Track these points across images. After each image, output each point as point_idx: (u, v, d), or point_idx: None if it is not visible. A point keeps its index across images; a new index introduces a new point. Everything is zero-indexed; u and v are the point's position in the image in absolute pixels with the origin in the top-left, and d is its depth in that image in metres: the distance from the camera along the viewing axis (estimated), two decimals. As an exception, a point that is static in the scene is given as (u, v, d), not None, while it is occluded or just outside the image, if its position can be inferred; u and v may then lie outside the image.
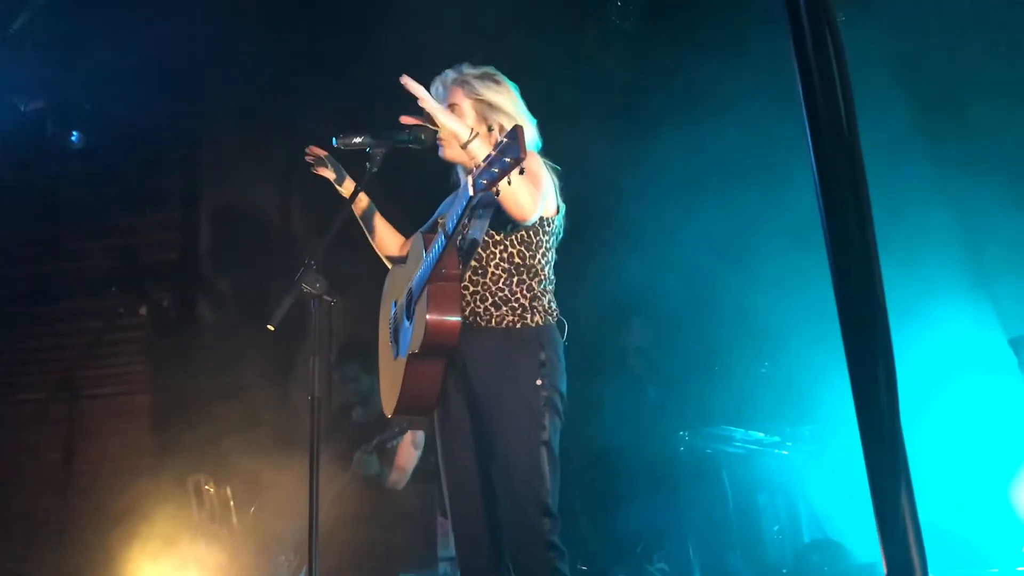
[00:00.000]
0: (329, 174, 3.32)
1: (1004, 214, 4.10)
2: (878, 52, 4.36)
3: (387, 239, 3.37)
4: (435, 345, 2.81)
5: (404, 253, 3.27)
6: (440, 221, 2.83)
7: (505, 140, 2.43)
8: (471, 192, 2.55)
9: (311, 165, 3.34)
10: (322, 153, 3.31)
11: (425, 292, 2.82)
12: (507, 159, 2.41)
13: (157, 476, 5.54)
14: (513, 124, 2.67)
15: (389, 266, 3.38)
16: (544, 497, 2.76)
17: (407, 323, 2.97)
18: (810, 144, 1.09)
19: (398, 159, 3.13)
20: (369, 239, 3.39)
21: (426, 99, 2.83)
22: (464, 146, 2.77)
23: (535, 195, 2.77)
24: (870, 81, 4.07)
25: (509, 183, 2.50)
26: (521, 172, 2.46)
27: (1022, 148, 4.16)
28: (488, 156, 2.48)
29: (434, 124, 2.95)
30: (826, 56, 1.09)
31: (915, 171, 4.32)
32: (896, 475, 1.03)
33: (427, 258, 2.87)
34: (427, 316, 2.78)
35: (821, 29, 1.10)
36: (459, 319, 2.81)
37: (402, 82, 2.83)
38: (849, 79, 1.09)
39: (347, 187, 3.31)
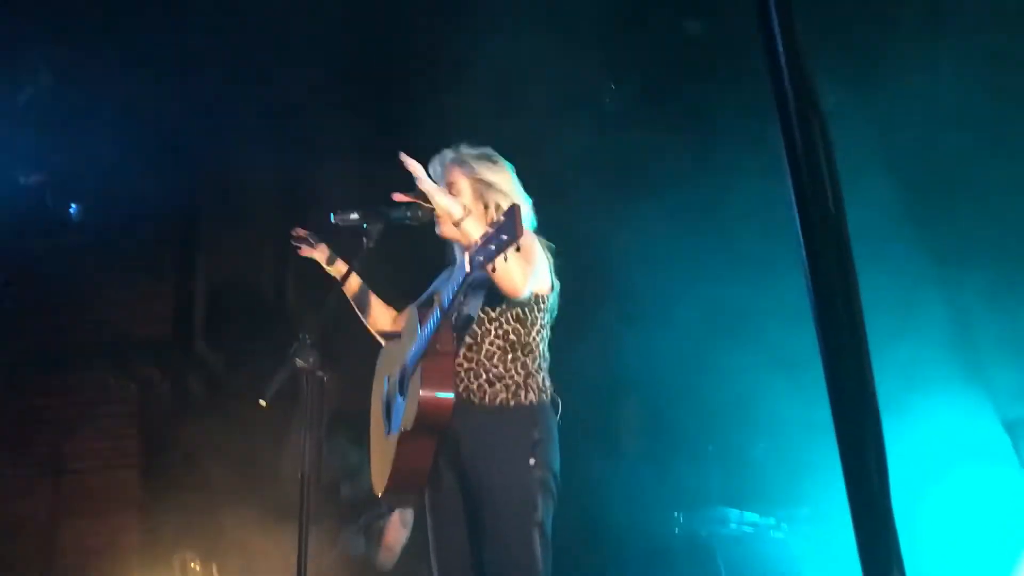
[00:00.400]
0: (317, 255, 3.34)
1: (994, 302, 4.13)
2: (869, 140, 4.42)
3: (379, 316, 3.38)
4: (428, 422, 2.80)
5: (397, 328, 3.27)
6: (436, 297, 2.84)
7: (503, 219, 2.45)
8: (468, 269, 2.57)
9: (298, 248, 3.38)
10: (303, 233, 3.35)
11: (419, 368, 2.82)
12: (504, 237, 2.43)
13: (143, 553, 5.45)
14: (509, 202, 2.71)
15: (382, 341, 3.38)
16: (536, 579, 2.72)
17: (400, 399, 2.96)
18: (799, 230, 1.10)
19: (394, 233, 3.15)
20: (361, 317, 3.40)
21: (422, 178, 2.86)
22: (457, 224, 2.80)
23: (527, 272, 2.78)
24: (860, 169, 4.11)
25: (505, 260, 2.52)
26: (517, 250, 2.48)
27: (1011, 238, 4.20)
28: (486, 234, 2.50)
29: (428, 201, 2.99)
30: (813, 144, 1.11)
31: (906, 259, 4.35)
32: (888, 561, 1.02)
33: (421, 334, 2.87)
34: (420, 392, 2.77)
35: (808, 118, 1.12)
36: (452, 396, 2.80)
37: (400, 160, 2.87)
38: (836, 167, 1.10)
39: (337, 268, 3.33)
